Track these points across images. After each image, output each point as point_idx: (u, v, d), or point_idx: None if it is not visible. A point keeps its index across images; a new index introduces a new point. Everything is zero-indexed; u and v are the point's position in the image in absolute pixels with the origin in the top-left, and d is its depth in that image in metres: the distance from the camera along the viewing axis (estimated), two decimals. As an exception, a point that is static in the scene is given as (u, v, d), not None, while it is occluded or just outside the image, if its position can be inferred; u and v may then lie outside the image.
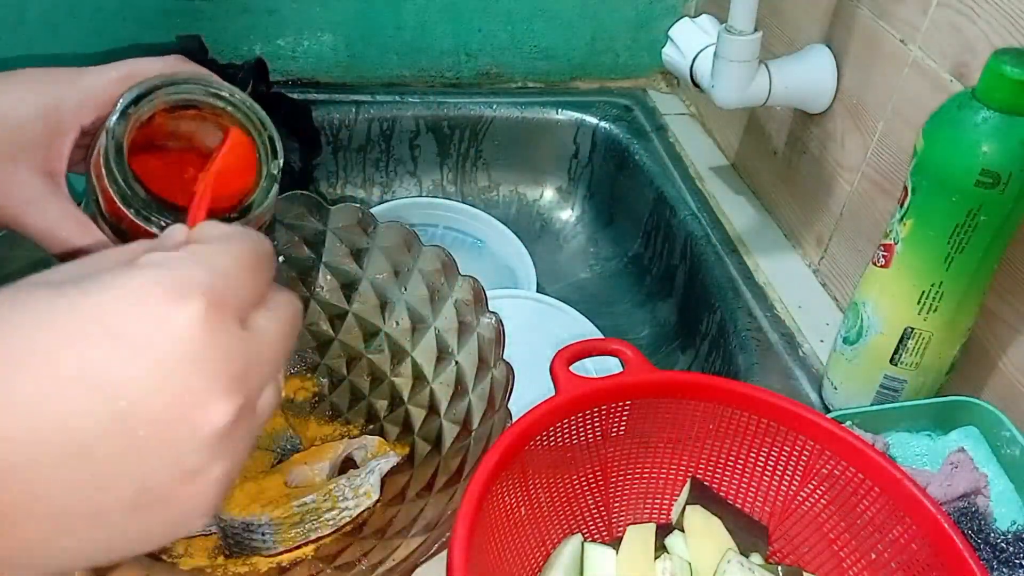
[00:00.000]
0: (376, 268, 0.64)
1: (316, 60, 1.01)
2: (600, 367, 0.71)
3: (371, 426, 0.62)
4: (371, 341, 0.64)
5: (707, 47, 0.78)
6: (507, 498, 0.47)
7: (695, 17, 0.81)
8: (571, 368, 0.51)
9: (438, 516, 0.52)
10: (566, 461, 0.51)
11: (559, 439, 0.50)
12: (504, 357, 0.56)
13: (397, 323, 0.64)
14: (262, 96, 0.86)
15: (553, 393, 0.50)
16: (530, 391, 0.55)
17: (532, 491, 0.50)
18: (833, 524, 0.51)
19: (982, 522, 0.54)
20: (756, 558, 0.51)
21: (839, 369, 0.64)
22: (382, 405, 0.63)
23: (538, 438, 0.48)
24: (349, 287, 0.65)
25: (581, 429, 0.51)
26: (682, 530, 0.52)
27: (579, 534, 0.52)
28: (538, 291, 0.87)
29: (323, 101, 0.99)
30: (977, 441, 0.59)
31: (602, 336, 0.79)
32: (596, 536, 0.54)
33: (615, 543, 0.52)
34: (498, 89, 1.06)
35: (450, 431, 0.58)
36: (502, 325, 0.57)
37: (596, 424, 0.51)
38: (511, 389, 0.54)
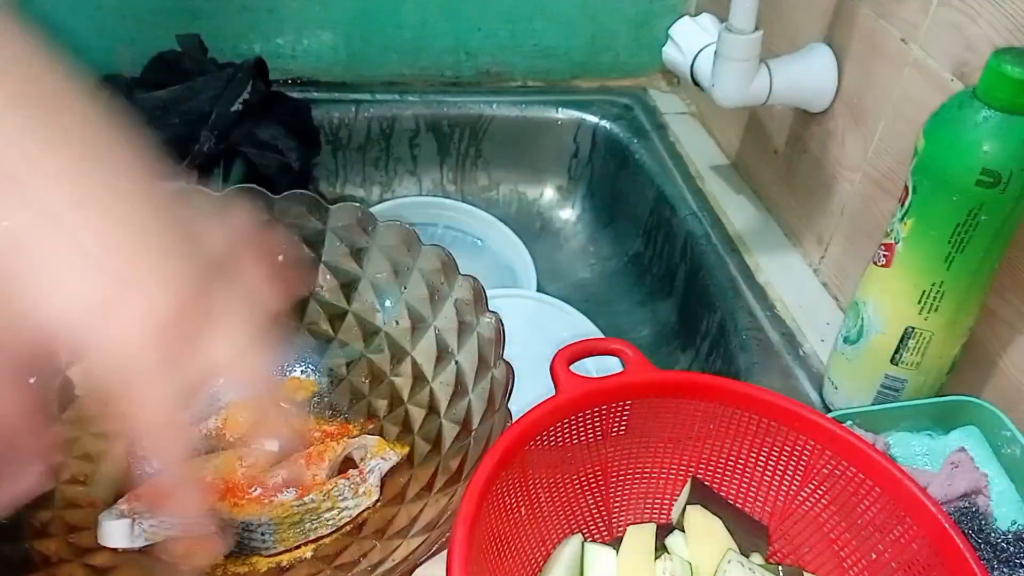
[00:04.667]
0: (376, 267, 0.64)
1: (316, 59, 1.01)
2: (600, 367, 0.71)
3: (371, 426, 0.62)
4: (371, 341, 0.64)
5: (708, 46, 0.78)
6: (507, 498, 0.47)
7: (696, 16, 0.81)
8: (571, 368, 0.51)
9: (438, 516, 0.52)
10: (566, 461, 0.51)
11: (559, 439, 0.50)
12: (504, 357, 0.56)
13: (397, 322, 0.63)
14: (261, 95, 0.86)
15: (553, 393, 0.50)
16: (530, 391, 0.55)
17: (532, 491, 0.49)
18: (834, 524, 0.50)
19: (983, 522, 0.54)
20: (756, 558, 0.51)
21: (840, 369, 0.64)
22: (382, 405, 0.62)
23: (538, 438, 0.48)
24: (349, 286, 0.65)
25: (581, 429, 0.51)
26: (682, 530, 0.52)
27: (579, 534, 0.52)
28: (538, 290, 0.87)
29: (323, 100, 0.98)
30: (978, 441, 0.59)
31: (602, 335, 0.79)
32: (596, 536, 0.54)
33: (615, 543, 0.52)
34: (498, 88, 1.06)
35: (450, 431, 0.58)
36: (502, 324, 0.57)
37: (596, 424, 0.51)
38: (511, 389, 0.54)
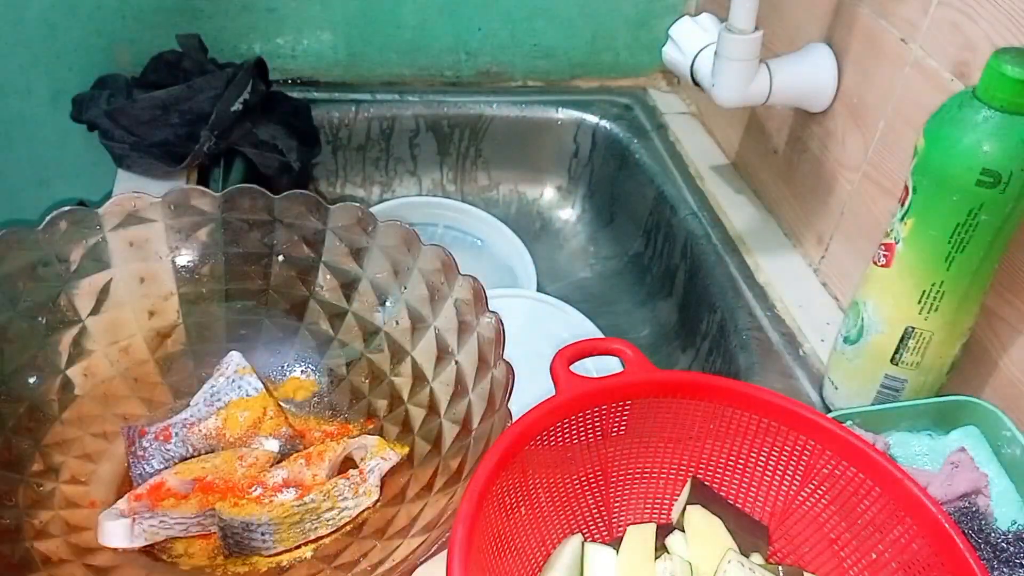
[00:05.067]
0: (376, 267, 0.64)
1: (316, 59, 1.01)
2: (600, 366, 0.71)
3: (371, 426, 0.62)
4: (371, 340, 0.64)
5: (708, 46, 0.78)
6: (507, 498, 0.47)
7: (695, 16, 0.81)
8: (571, 368, 0.51)
9: (438, 516, 0.52)
10: (566, 461, 0.51)
11: (559, 439, 0.50)
12: (504, 357, 0.56)
13: (397, 322, 0.63)
14: (261, 95, 0.86)
15: (553, 392, 0.50)
16: (530, 391, 0.55)
17: (532, 491, 0.49)
18: (834, 524, 0.50)
19: (983, 522, 0.54)
20: (757, 558, 0.51)
21: (840, 368, 0.64)
22: (382, 405, 0.62)
23: (538, 438, 0.48)
24: (349, 286, 0.65)
25: (581, 429, 0.51)
26: (682, 530, 0.52)
27: (579, 534, 0.52)
28: (538, 290, 0.87)
29: (323, 100, 0.99)
30: (978, 441, 0.59)
31: (602, 335, 0.79)
32: (596, 536, 0.54)
33: (615, 543, 0.52)
34: (498, 88, 1.06)
35: (450, 431, 0.58)
36: (502, 325, 0.57)
37: (596, 424, 0.51)
38: (511, 389, 0.54)
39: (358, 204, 0.64)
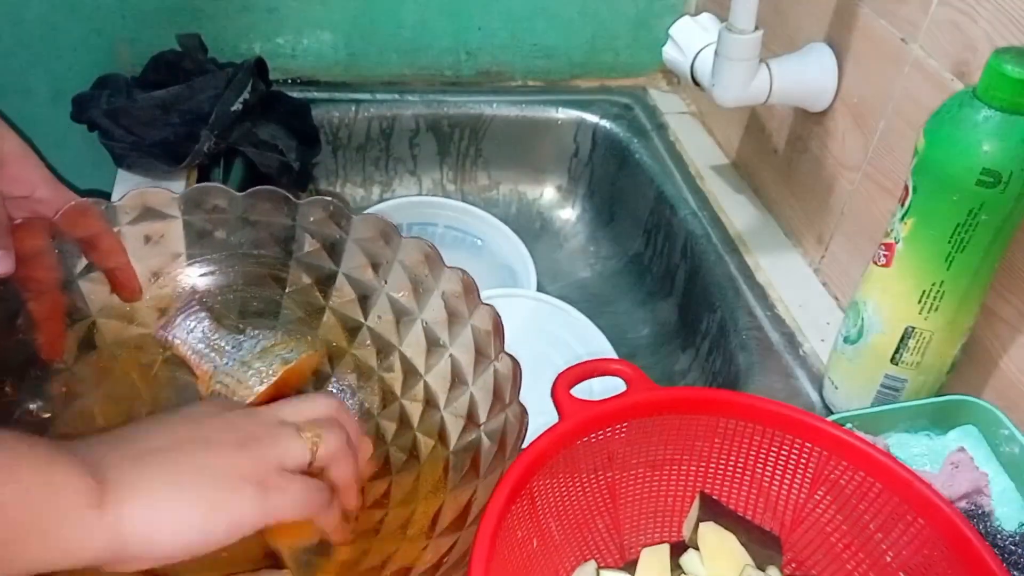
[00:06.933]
0: (352, 262, 0.62)
1: (316, 58, 1.01)
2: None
3: (365, 425, 0.61)
4: (354, 336, 0.62)
5: (708, 45, 0.78)
6: (519, 532, 0.47)
7: (696, 15, 0.81)
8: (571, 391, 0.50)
9: (462, 515, 0.51)
10: (574, 487, 0.51)
11: (565, 465, 0.49)
12: (507, 351, 0.54)
13: (380, 317, 0.62)
14: (261, 95, 0.86)
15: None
16: (531, 391, 0.55)
17: (543, 521, 0.49)
18: (844, 531, 0.50)
19: (987, 523, 0.53)
20: (773, 571, 0.50)
21: (840, 368, 0.64)
22: (374, 401, 0.61)
23: (545, 467, 0.48)
24: (325, 283, 0.62)
25: (587, 453, 0.50)
26: (696, 548, 0.51)
27: (592, 560, 0.51)
28: (538, 290, 0.87)
29: (322, 100, 0.98)
30: (976, 440, 0.59)
31: (603, 335, 0.79)
32: (609, 560, 0.53)
33: (629, 566, 0.51)
34: (498, 88, 1.06)
35: (454, 424, 0.56)
36: (499, 316, 0.56)
37: (602, 447, 0.51)
38: (519, 382, 0.53)
39: (329, 199, 0.62)
